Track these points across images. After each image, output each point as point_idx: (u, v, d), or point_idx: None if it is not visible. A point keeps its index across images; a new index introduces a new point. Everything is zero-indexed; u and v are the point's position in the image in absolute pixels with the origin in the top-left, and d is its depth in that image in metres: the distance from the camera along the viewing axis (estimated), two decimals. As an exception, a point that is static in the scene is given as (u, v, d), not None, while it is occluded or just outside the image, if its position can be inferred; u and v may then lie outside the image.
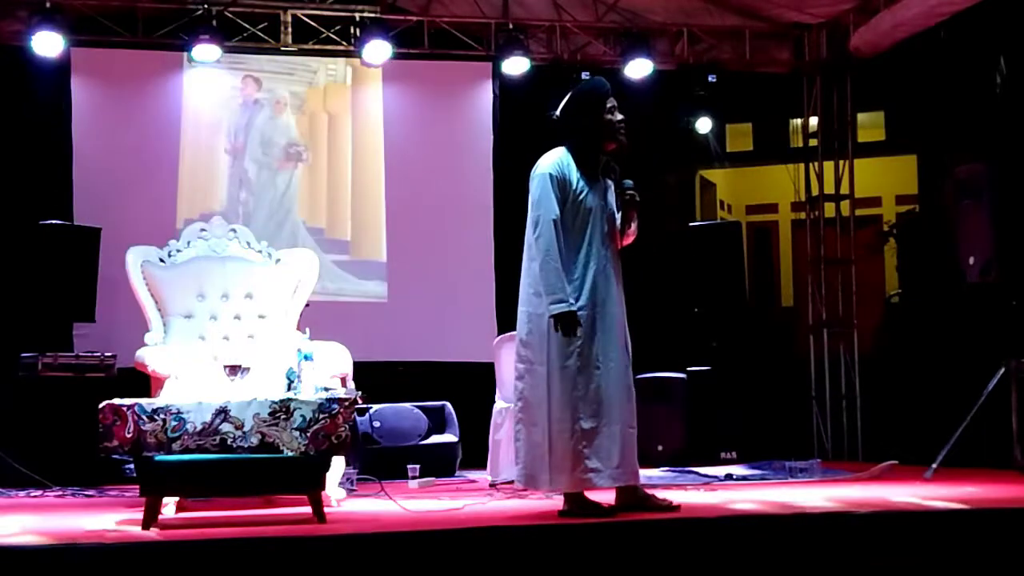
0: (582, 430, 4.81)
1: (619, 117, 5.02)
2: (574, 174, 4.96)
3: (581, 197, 4.94)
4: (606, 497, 5.01)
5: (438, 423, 7.82)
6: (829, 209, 9.56)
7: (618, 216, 5.08)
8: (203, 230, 6.54)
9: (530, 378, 4.92)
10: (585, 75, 9.08)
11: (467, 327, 8.91)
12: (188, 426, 4.65)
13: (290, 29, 8.90)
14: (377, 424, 7.56)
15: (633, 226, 5.05)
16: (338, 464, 5.54)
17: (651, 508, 4.94)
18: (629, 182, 5.01)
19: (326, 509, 4.97)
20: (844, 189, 9.50)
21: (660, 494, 5.15)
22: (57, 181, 8.45)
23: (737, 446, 8.27)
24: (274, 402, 4.74)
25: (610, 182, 5.08)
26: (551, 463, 4.83)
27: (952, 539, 4.42)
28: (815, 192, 9.64)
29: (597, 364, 4.87)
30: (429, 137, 9.33)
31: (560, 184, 4.92)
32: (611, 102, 5.03)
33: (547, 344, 4.86)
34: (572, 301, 4.81)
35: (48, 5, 8.12)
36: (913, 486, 5.96)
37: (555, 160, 4.99)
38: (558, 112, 5.11)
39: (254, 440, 4.69)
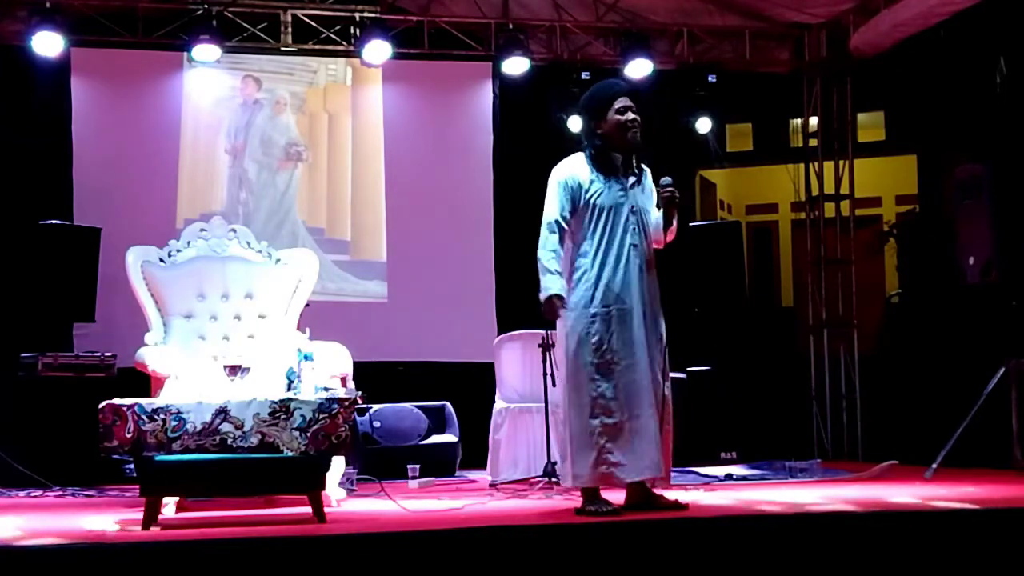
0: (603, 426, 4.87)
1: (630, 116, 5.04)
2: (588, 176, 5.02)
3: (595, 198, 4.99)
4: (616, 496, 5.03)
5: (438, 423, 7.82)
6: (829, 209, 9.56)
7: (653, 213, 5.12)
8: (203, 230, 6.54)
9: (558, 378, 5.11)
10: (585, 75, 9.11)
11: (467, 327, 8.90)
12: (188, 426, 4.65)
13: (290, 29, 8.90)
14: (377, 424, 7.56)
15: (674, 222, 5.08)
16: (338, 464, 5.54)
17: (659, 507, 4.96)
18: (668, 179, 5.03)
19: (326, 509, 4.97)
20: (844, 189, 9.50)
21: (662, 493, 5.16)
22: (57, 181, 8.44)
23: (737, 446, 8.27)
24: (274, 402, 4.74)
25: (638, 180, 5.10)
26: (573, 459, 4.92)
27: (952, 539, 4.42)
28: (815, 192, 9.63)
29: (618, 361, 4.90)
30: (429, 137, 9.33)
31: (570, 188, 5.02)
32: (622, 101, 5.05)
33: (567, 344, 4.99)
34: (557, 289, 4.91)
35: (48, 5, 8.12)
36: (913, 486, 5.96)
37: (568, 165, 5.10)
38: (579, 106, 5.23)
39: (254, 440, 4.69)
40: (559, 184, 5.05)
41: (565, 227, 5.02)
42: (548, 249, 4.98)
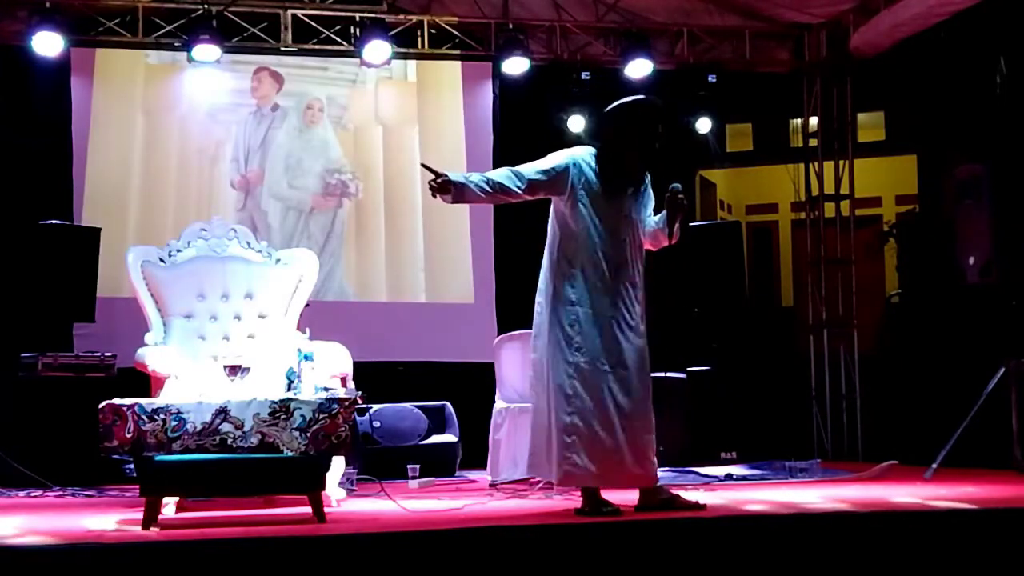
0: (574, 426, 4.86)
1: (658, 144, 5.04)
2: (587, 175, 5.00)
3: (586, 197, 4.98)
4: (627, 497, 5.03)
5: (438, 423, 7.81)
6: (829, 209, 9.56)
7: (651, 221, 5.10)
8: (203, 230, 6.53)
9: (535, 371, 5.08)
10: (585, 75, 9.12)
11: (467, 327, 8.90)
12: (188, 426, 4.65)
13: (290, 29, 8.89)
14: (377, 424, 7.56)
15: (676, 227, 5.05)
16: (338, 464, 5.54)
17: (677, 508, 4.95)
18: (677, 185, 5.02)
19: (326, 509, 4.97)
20: (844, 189, 9.50)
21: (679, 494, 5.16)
22: (57, 181, 8.44)
23: (737, 446, 8.28)
24: (274, 402, 4.74)
25: (639, 189, 5.10)
26: (541, 453, 4.97)
27: (952, 539, 4.42)
28: (815, 192, 9.63)
29: (596, 363, 4.90)
30: (428, 137, 9.32)
31: (567, 170, 4.99)
32: (659, 127, 5.04)
33: (545, 340, 4.99)
34: (455, 178, 4.99)
35: (48, 5, 8.12)
36: (913, 486, 5.96)
37: (577, 153, 5.07)
38: (608, 110, 5.09)
39: (254, 440, 4.69)
40: (565, 157, 5.02)
41: (522, 187, 4.97)
42: (485, 175, 5.02)
